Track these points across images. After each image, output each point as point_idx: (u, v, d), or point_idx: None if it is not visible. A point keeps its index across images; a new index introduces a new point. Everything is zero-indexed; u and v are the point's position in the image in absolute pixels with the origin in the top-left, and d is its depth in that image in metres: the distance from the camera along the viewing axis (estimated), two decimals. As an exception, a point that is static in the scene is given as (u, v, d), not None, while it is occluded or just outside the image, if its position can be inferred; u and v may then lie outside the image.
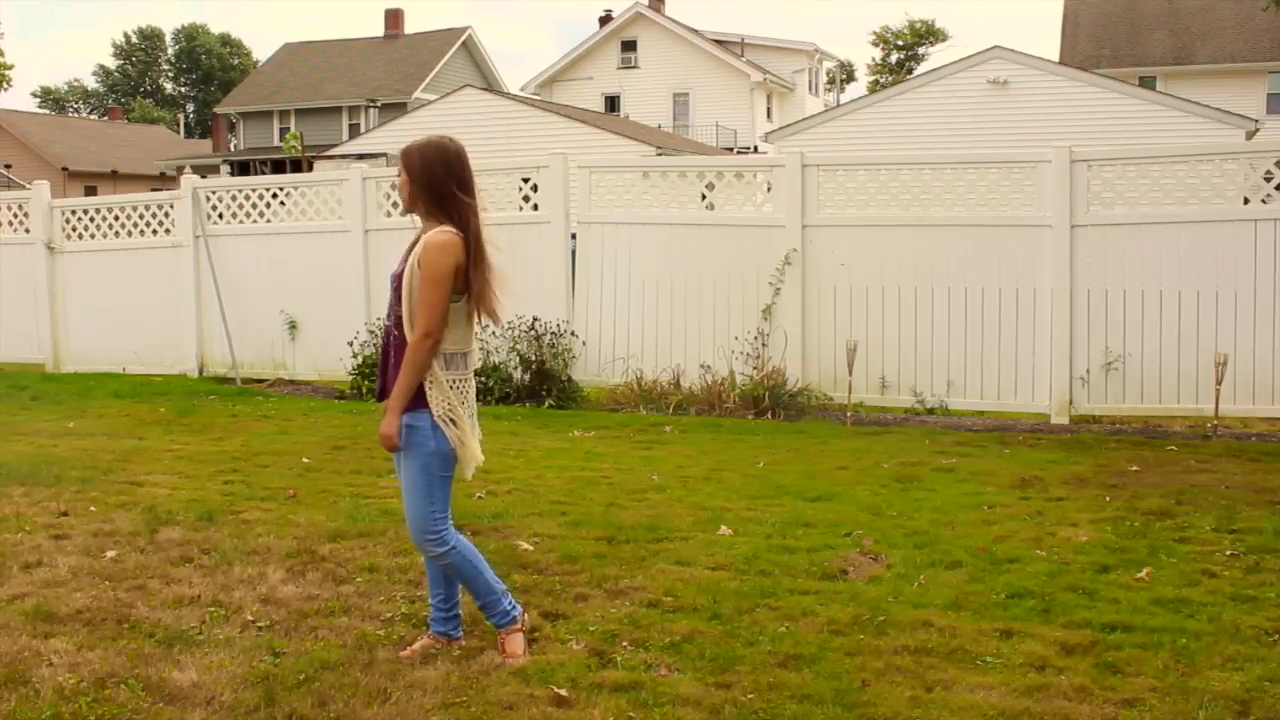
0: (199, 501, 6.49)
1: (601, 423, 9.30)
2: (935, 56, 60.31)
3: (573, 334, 10.68)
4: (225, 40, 78.77)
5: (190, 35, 77.81)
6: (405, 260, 3.97)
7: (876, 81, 58.94)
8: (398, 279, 3.97)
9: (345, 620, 4.51)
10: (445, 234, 3.88)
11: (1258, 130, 23.29)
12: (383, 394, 4.07)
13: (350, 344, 11.22)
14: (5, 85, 45.22)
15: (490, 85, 41.70)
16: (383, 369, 4.10)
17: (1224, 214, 9.14)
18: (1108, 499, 6.56)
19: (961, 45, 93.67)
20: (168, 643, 4.25)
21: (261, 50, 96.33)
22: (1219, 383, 8.81)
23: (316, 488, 6.92)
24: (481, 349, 10.76)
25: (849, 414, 9.57)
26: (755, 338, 10.12)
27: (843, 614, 4.55)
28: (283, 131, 39.64)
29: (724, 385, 10.03)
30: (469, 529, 5.84)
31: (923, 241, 9.81)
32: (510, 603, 4.20)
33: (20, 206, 13.41)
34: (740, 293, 10.28)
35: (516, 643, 4.15)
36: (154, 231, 12.64)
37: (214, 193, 12.41)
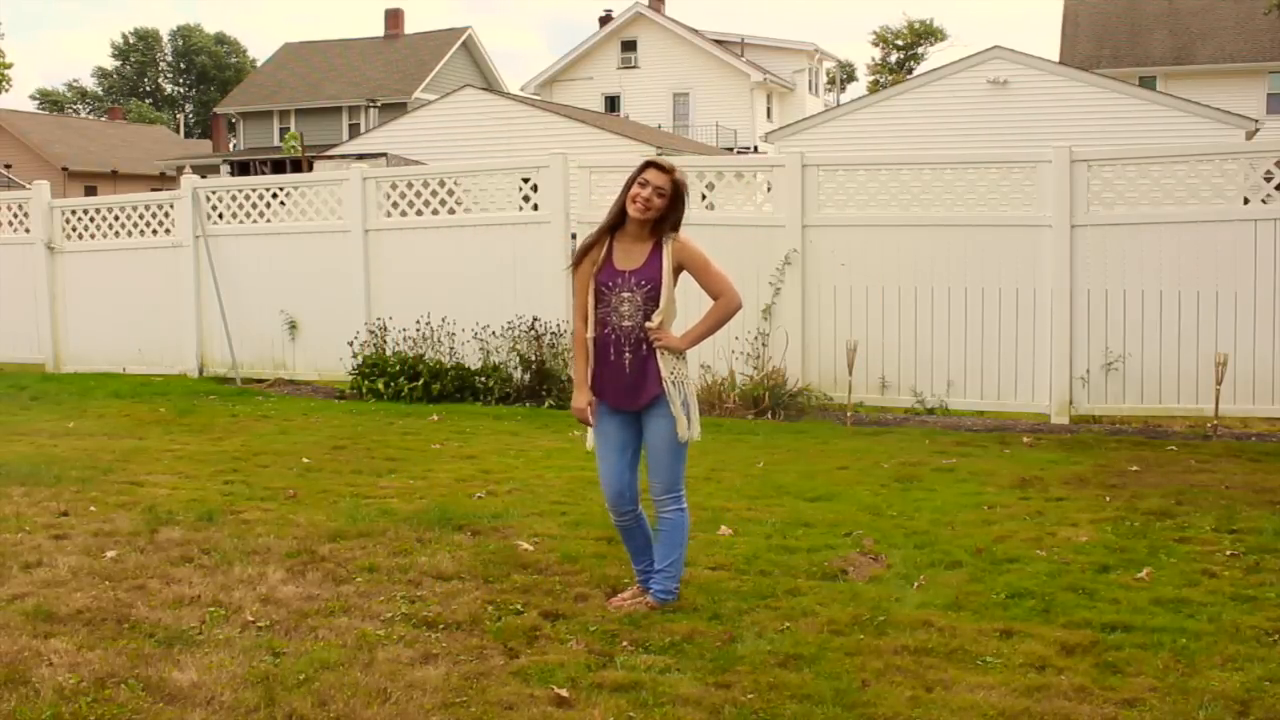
0: (199, 501, 6.49)
1: (601, 423, 9.29)
2: (935, 56, 60.43)
3: (572, 334, 10.65)
4: (221, 39, 78.73)
5: (186, 34, 77.83)
6: (652, 266, 4.57)
7: (876, 81, 58.94)
8: (654, 282, 4.56)
9: (345, 620, 4.51)
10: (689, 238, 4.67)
11: (1258, 130, 23.30)
12: (635, 392, 4.56)
13: (350, 344, 11.22)
14: (6, 86, 45.18)
15: (490, 85, 41.68)
16: (638, 367, 4.58)
17: (1224, 214, 9.14)
18: (1108, 499, 6.57)
19: (961, 45, 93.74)
20: (168, 643, 4.25)
21: (258, 49, 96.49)
22: (1219, 383, 8.81)
23: (316, 488, 6.92)
24: (481, 349, 10.85)
25: (849, 414, 9.57)
26: (755, 338, 10.11)
27: (843, 614, 4.55)
28: (283, 131, 39.61)
29: (724, 385, 10.03)
30: (469, 529, 5.85)
31: (923, 241, 9.81)
32: (675, 590, 4.65)
33: (20, 206, 13.41)
34: (740, 292, 10.25)
35: (628, 596, 4.72)
36: (154, 231, 12.64)
37: (214, 193, 12.40)
